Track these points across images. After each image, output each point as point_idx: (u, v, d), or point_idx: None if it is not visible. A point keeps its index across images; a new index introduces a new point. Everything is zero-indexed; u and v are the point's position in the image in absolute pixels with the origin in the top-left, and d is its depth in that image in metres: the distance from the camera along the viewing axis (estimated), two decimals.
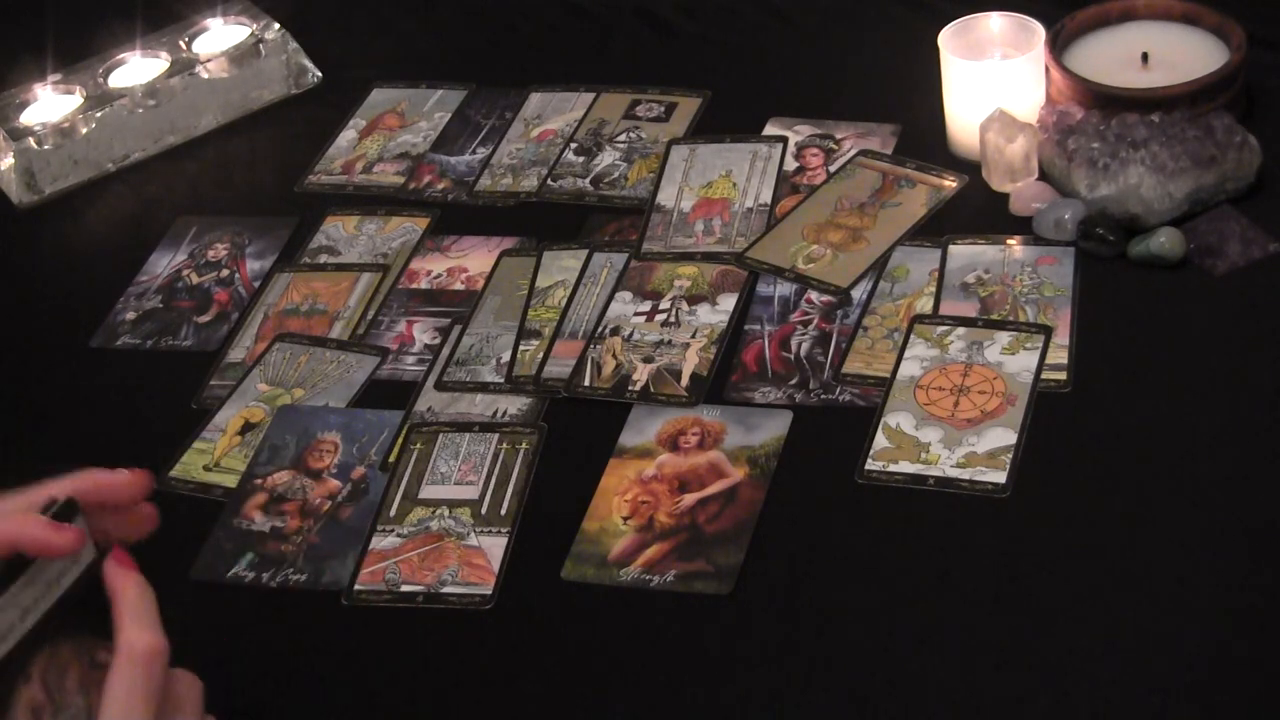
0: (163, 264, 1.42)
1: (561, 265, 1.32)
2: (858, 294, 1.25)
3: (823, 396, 1.17)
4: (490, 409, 1.21)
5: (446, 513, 1.13)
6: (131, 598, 0.72)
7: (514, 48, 1.64)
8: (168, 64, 1.58)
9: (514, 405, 1.21)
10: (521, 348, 1.25)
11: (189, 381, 1.29)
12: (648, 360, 1.22)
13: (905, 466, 1.10)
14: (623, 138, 1.46)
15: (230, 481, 1.19)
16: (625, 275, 1.30)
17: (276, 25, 1.61)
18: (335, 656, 1.06)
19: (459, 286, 1.33)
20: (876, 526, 1.07)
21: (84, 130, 1.53)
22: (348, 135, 1.54)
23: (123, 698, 0.69)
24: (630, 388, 1.20)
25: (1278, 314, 1.17)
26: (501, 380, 1.23)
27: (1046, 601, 1.00)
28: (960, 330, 1.20)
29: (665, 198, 1.37)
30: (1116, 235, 1.23)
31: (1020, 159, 1.28)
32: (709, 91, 1.50)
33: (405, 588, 1.09)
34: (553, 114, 1.51)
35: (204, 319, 1.35)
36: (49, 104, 1.55)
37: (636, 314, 1.26)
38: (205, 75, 1.57)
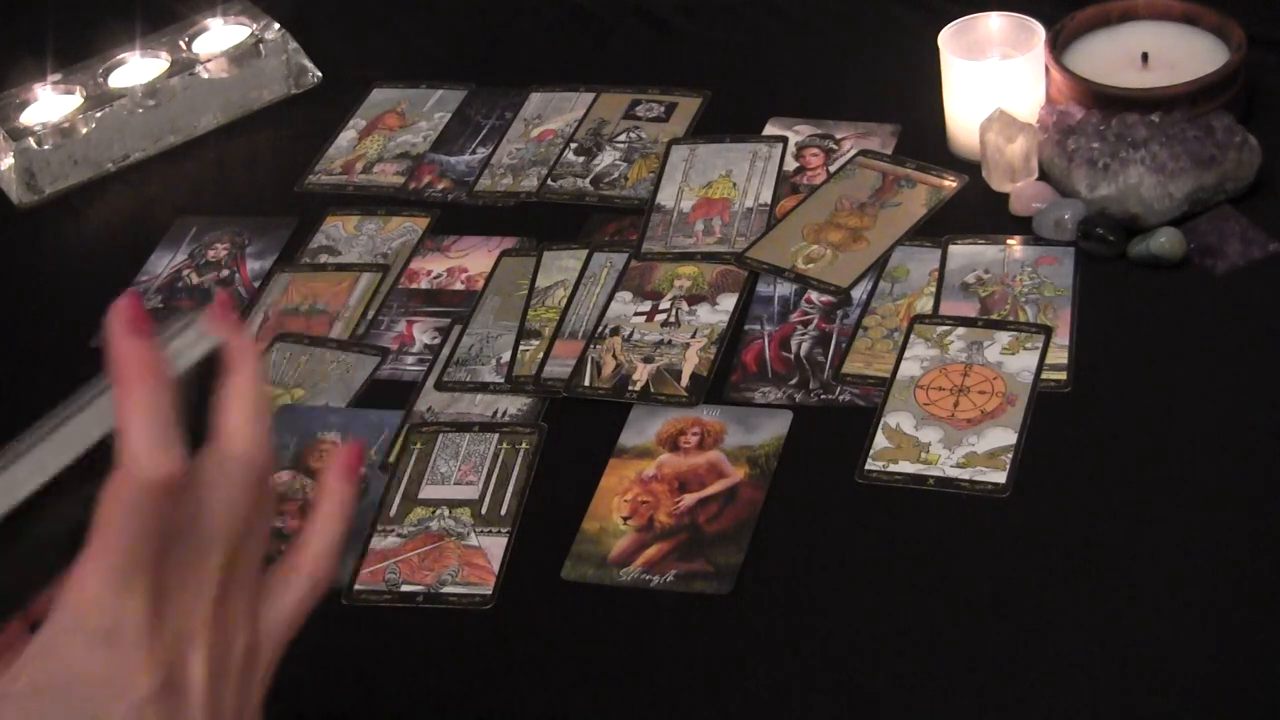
0: (163, 264, 1.42)
1: (561, 265, 1.32)
2: (858, 294, 1.25)
3: (823, 396, 1.17)
4: (490, 409, 1.21)
5: (446, 513, 1.13)
6: (132, 406, 0.53)
7: (514, 48, 1.64)
8: (168, 64, 1.58)
9: (514, 405, 1.21)
10: (521, 348, 1.25)
11: None
12: (648, 360, 1.22)
13: (905, 466, 1.10)
14: (623, 138, 1.46)
15: None
16: (625, 275, 1.30)
17: (276, 25, 1.60)
18: (335, 656, 1.06)
19: (459, 286, 1.33)
20: (876, 526, 1.07)
21: (84, 130, 1.52)
22: (348, 135, 1.54)
23: (99, 537, 0.52)
24: (630, 388, 1.20)
25: (1278, 314, 1.17)
26: (501, 380, 1.23)
27: (1046, 601, 1.00)
28: (960, 330, 1.20)
29: (665, 198, 1.37)
30: (1116, 235, 1.23)
31: (1020, 159, 1.28)
32: (709, 91, 1.50)
33: (405, 588, 1.09)
34: (553, 114, 1.51)
35: None
36: (49, 104, 1.55)
37: (636, 314, 1.26)
38: (205, 75, 1.57)
